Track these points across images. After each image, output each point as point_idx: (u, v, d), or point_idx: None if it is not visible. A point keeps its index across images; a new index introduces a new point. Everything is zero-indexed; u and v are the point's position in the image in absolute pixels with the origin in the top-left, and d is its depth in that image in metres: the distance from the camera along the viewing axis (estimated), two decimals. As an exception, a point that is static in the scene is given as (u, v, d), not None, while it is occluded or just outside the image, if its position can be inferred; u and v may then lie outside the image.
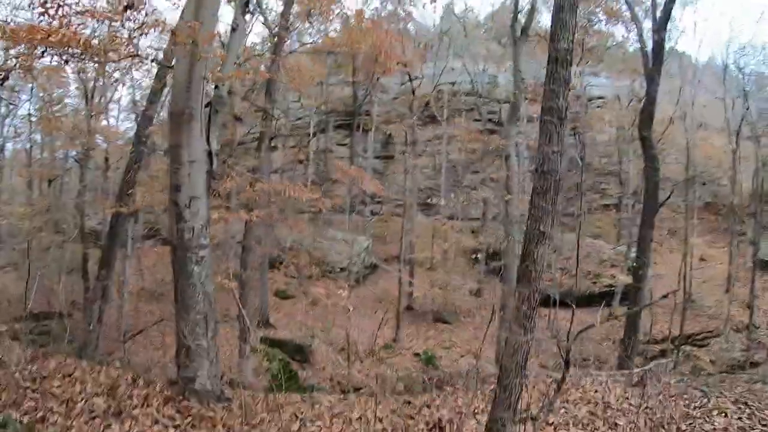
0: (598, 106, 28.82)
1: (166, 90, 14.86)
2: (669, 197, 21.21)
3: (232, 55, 7.83)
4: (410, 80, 22.72)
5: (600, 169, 28.88)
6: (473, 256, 26.34)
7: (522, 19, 14.00)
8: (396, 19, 22.89)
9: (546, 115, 5.48)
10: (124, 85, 27.48)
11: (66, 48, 6.09)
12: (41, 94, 22.43)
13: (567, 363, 5.63)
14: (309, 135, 29.38)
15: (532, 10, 13.91)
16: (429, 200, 28.50)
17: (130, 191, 15.99)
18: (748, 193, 26.35)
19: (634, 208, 27.34)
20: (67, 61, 6.99)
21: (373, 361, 20.71)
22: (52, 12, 5.71)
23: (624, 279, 22.76)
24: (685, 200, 23.29)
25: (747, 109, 22.63)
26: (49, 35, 5.66)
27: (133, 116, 31.21)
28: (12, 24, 6.48)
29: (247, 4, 7.72)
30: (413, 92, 22.38)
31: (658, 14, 16.85)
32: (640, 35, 17.87)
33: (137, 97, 29.54)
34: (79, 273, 19.72)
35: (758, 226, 21.60)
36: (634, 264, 17.79)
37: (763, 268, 22.50)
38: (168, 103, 10.21)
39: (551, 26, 5.76)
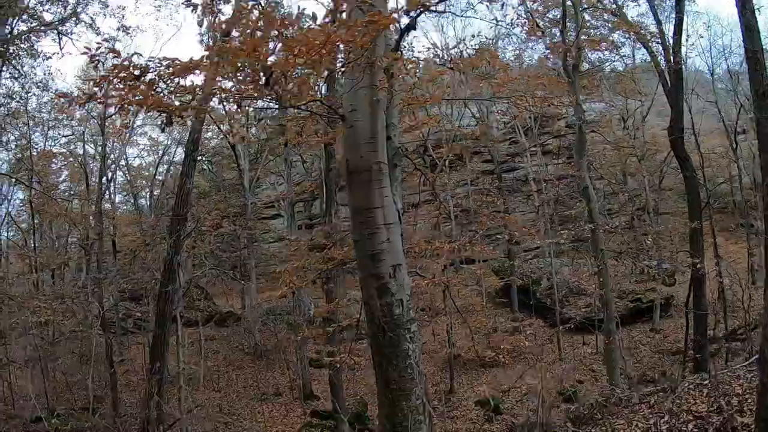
0: (592, 130, 29.62)
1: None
2: (707, 204, 21.57)
3: (396, 101, 7.17)
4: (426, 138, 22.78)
5: (605, 191, 29.48)
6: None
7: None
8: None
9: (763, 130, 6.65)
10: (117, 165, 26.92)
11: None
12: (34, 180, 21.47)
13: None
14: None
15: (579, 49, 14.86)
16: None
17: (173, 270, 15.03)
18: (748, 187, 27.40)
19: (647, 223, 27.77)
20: (239, 105, 6.33)
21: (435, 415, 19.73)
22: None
23: (665, 290, 22.77)
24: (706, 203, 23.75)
25: (740, 105, 23.68)
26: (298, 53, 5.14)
27: (129, 196, 30.72)
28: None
29: (398, 45, 7.21)
30: (425, 142, 22.47)
31: (670, 39, 17.61)
32: (653, 57, 18.57)
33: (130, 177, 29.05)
34: (99, 364, 18.20)
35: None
36: (696, 272, 17.63)
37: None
38: (340, 160, 9.39)
39: (749, 69, 6.88)
